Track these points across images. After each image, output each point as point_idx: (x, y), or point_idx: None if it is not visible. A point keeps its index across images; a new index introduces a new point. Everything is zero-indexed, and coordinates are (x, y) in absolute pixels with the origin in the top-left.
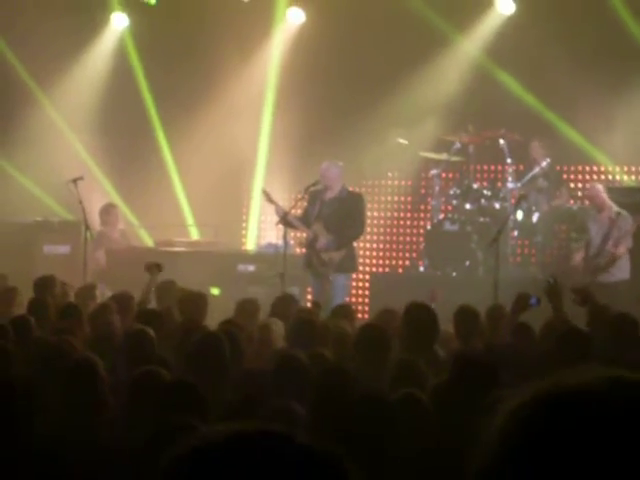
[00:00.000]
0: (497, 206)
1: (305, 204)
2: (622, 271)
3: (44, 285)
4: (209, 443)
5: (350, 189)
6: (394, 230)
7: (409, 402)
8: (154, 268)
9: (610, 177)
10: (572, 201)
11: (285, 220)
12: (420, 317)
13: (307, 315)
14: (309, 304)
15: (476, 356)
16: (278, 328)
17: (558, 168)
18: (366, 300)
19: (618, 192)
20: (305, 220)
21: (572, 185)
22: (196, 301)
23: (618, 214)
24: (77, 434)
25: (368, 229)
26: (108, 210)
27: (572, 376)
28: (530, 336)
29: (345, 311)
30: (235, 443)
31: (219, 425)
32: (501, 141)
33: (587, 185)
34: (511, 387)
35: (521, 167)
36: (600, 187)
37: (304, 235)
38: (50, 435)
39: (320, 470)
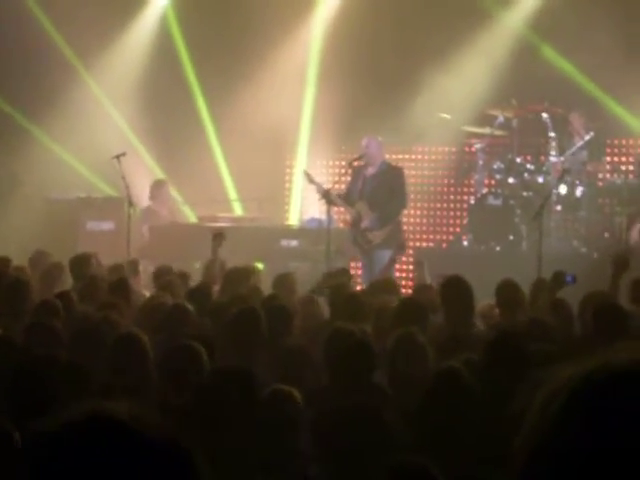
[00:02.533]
0: (540, 180)
1: (348, 179)
2: None
3: (79, 263)
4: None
5: (390, 163)
6: (437, 205)
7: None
8: (218, 237)
9: None
10: (616, 175)
11: (328, 198)
12: (456, 291)
13: (349, 289)
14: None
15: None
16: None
17: (602, 141)
18: (410, 275)
19: None
20: (348, 197)
21: (615, 159)
22: (243, 275)
23: None
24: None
25: (411, 204)
26: (158, 186)
27: (621, 354)
28: (567, 312)
29: (385, 285)
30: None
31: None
32: (544, 115)
33: (632, 158)
34: (549, 363)
35: (564, 141)
36: None
37: (347, 213)
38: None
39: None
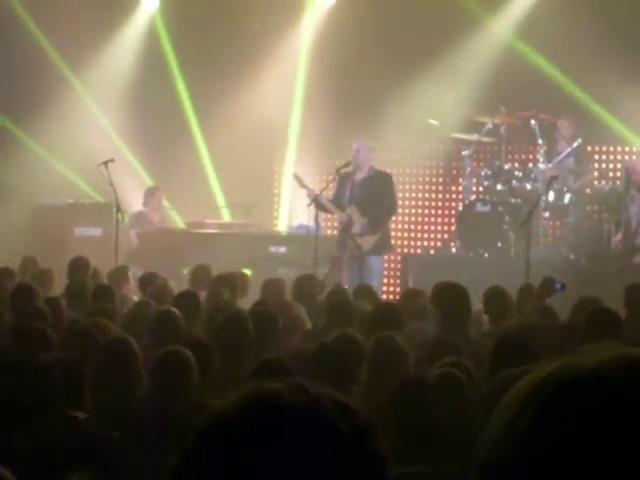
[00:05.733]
0: (528, 187)
1: (336, 185)
2: None
3: (78, 267)
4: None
5: (378, 169)
6: (426, 211)
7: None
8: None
9: None
10: (603, 181)
11: (317, 203)
12: (450, 296)
13: (341, 296)
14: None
15: (518, 338)
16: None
17: (589, 148)
18: (397, 281)
19: None
20: (337, 202)
21: (603, 165)
22: (231, 282)
23: None
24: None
25: (400, 210)
26: (152, 192)
27: (586, 356)
28: (555, 319)
29: (365, 291)
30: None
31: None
32: (532, 122)
33: (620, 165)
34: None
35: (552, 148)
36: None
37: (337, 217)
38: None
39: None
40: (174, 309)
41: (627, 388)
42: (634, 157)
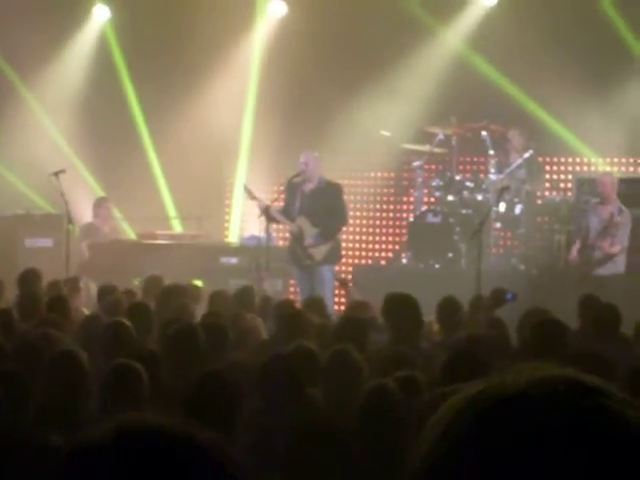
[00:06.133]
0: (480, 198)
1: (286, 196)
2: (617, 265)
3: (29, 278)
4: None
5: (328, 179)
6: (377, 222)
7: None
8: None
9: (593, 169)
10: (555, 192)
11: (268, 215)
12: (400, 307)
13: (291, 308)
14: (291, 296)
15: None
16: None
17: (540, 159)
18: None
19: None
20: (287, 213)
21: (555, 177)
22: (180, 293)
23: (620, 210)
24: (61, 424)
25: (351, 221)
26: (100, 203)
27: (515, 376)
28: (504, 330)
29: (315, 303)
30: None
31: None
32: (483, 133)
33: (571, 176)
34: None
35: (503, 159)
36: (609, 180)
37: (287, 228)
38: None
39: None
40: (125, 320)
41: (552, 411)
42: (607, 170)
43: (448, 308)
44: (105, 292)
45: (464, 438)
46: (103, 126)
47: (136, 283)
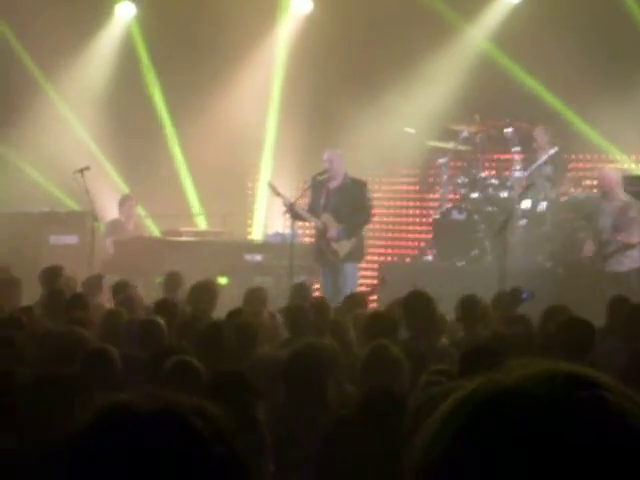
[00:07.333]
0: (504, 195)
1: (310, 193)
2: (633, 260)
3: (50, 275)
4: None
5: (353, 176)
6: (402, 219)
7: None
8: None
9: (618, 166)
10: (580, 189)
11: (293, 212)
12: (417, 305)
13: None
14: (317, 294)
15: (482, 348)
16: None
17: (565, 156)
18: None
19: (631, 180)
20: (312, 210)
21: (579, 174)
22: (205, 291)
23: (628, 203)
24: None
25: (376, 218)
26: (124, 201)
27: (508, 373)
28: (527, 327)
29: (358, 300)
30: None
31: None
32: (508, 130)
33: (596, 173)
34: None
35: (528, 156)
36: (612, 175)
37: (313, 225)
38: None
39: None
40: (159, 319)
41: (549, 403)
42: (609, 165)
43: (469, 305)
44: (119, 289)
45: (462, 431)
46: (128, 123)
47: (158, 280)
